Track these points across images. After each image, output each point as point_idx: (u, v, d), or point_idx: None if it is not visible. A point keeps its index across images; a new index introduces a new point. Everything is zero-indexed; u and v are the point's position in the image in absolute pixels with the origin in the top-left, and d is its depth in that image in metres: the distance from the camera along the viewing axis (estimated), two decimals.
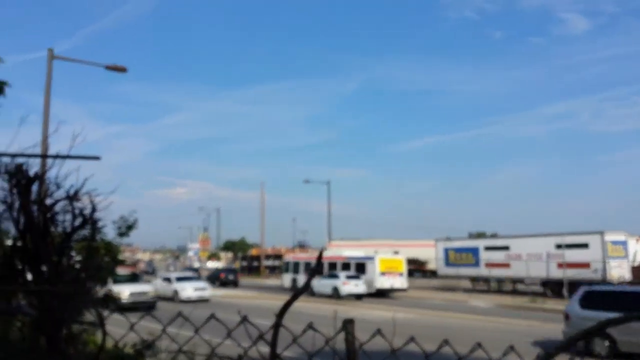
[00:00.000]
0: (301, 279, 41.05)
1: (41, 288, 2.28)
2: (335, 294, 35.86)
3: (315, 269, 1.91)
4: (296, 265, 44.43)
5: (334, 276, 37.66)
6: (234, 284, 50.29)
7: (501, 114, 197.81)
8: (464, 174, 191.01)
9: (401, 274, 39.30)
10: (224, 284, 49.96)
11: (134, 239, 6.91)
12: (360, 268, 39.06)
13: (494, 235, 56.48)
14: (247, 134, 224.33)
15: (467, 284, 44.78)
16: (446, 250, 46.13)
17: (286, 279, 44.47)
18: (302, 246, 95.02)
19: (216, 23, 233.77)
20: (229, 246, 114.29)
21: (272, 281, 57.03)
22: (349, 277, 37.00)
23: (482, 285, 43.99)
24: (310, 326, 1.78)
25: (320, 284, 37.36)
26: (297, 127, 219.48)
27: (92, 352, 4.95)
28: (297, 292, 1.84)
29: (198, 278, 42.05)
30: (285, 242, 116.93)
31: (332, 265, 41.11)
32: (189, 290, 33.55)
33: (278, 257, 73.63)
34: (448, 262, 45.82)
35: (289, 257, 49.74)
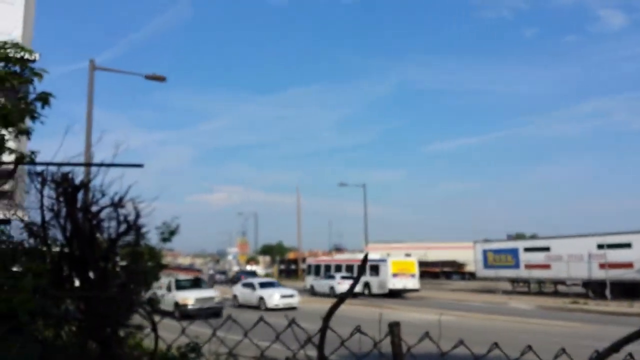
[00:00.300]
0: (319, 280, 43.54)
1: (97, 294, 2.35)
2: (332, 293, 38.91)
3: (360, 273, 1.92)
4: (317, 268, 47.31)
5: (331, 277, 41.47)
6: (230, 282, 54.53)
7: (535, 113, 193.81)
8: (499, 174, 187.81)
9: (413, 275, 41.46)
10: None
11: (175, 244, 7.00)
12: (374, 270, 40.87)
13: (533, 237, 55.48)
14: (283, 138, 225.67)
15: (506, 285, 44.11)
16: (485, 252, 45.52)
17: (308, 281, 46.35)
18: (338, 249, 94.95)
19: (251, 29, 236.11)
20: (266, 250, 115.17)
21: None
22: (343, 278, 40.06)
23: (522, 286, 43.27)
24: (358, 329, 1.79)
25: (319, 284, 41.56)
26: (331, 130, 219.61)
27: (138, 355, 5.06)
28: (342, 296, 1.86)
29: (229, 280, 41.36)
30: (322, 245, 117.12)
31: (349, 267, 43.57)
32: (275, 297, 30.75)
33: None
34: (487, 264, 45.20)
35: (311, 261, 52.85)
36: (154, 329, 1.79)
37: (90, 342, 2.69)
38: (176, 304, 26.48)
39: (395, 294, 39.73)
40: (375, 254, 46.17)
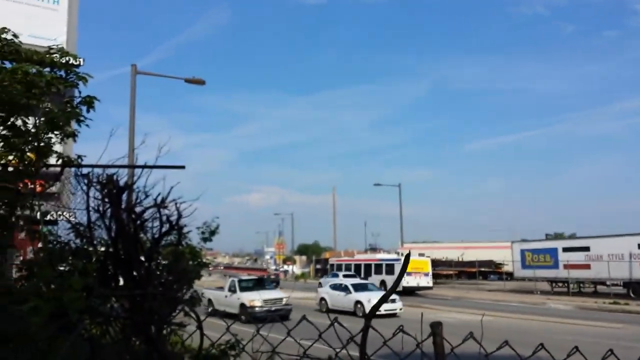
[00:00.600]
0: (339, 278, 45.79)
1: (143, 291, 2.44)
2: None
3: (403, 271, 1.95)
4: (339, 267, 51.41)
5: (335, 275, 46.21)
6: (277, 283, 53.37)
7: (574, 111, 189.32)
8: (536, 173, 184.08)
9: (426, 274, 44.21)
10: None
11: (214, 244, 7.14)
12: (390, 268, 44.22)
13: (572, 236, 54.33)
14: (318, 139, 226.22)
15: (544, 286, 43.31)
16: (523, 252, 44.81)
17: (377, 282, 46.84)
18: (373, 249, 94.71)
19: (286, 32, 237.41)
20: (303, 250, 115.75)
21: None
22: (345, 276, 42.79)
23: (561, 287, 42.44)
24: (400, 329, 1.83)
25: (325, 282, 42.04)
26: (366, 130, 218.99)
27: (181, 352, 5.18)
28: (384, 296, 1.90)
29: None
30: (358, 245, 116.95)
31: (368, 266, 47.33)
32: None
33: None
34: (525, 264, 44.49)
35: (333, 260, 56.92)
36: (200, 326, 1.86)
37: (135, 340, 2.78)
38: (242, 306, 24.53)
39: (409, 292, 40.70)
40: (391, 254, 50.91)
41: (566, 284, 41.56)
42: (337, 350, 1.86)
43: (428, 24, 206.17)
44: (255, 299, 23.97)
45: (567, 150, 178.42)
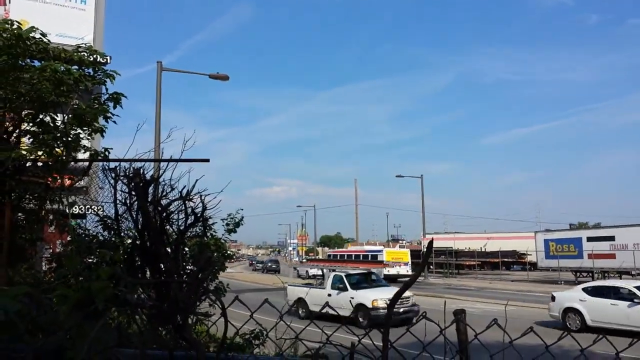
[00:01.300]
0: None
1: (171, 280, 2.52)
2: (305, 276, 51.39)
3: (425, 259, 2.00)
4: (335, 257, 54.92)
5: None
6: (277, 271, 64.28)
7: (598, 101, 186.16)
8: (560, 163, 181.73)
9: (406, 263, 49.46)
10: (270, 271, 69.56)
11: (238, 235, 7.27)
12: (374, 258, 48.32)
13: (596, 226, 53.62)
14: (340, 132, 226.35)
15: (568, 275, 42.86)
16: (546, 242, 44.40)
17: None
18: (395, 240, 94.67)
19: (307, 28, 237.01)
20: (325, 241, 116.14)
21: None
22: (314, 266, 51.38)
23: (585, 276, 41.97)
24: (424, 316, 1.89)
25: (312, 270, 46.46)
26: (388, 123, 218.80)
27: (205, 341, 5.30)
28: (406, 284, 1.95)
29: None
30: (380, 236, 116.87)
31: (357, 257, 51.12)
32: None
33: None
34: (548, 254, 44.09)
35: (329, 252, 64.81)
36: (224, 314, 1.93)
37: (161, 328, 2.87)
38: (359, 307, 19.96)
39: (391, 279, 43.22)
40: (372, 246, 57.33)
41: (591, 274, 41.09)
42: (360, 337, 1.93)
43: (451, 17, 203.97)
44: (378, 297, 19.60)
45: (591, 140, 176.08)
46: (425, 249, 58.02)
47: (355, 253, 53.92)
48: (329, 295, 21.07)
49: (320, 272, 49.52)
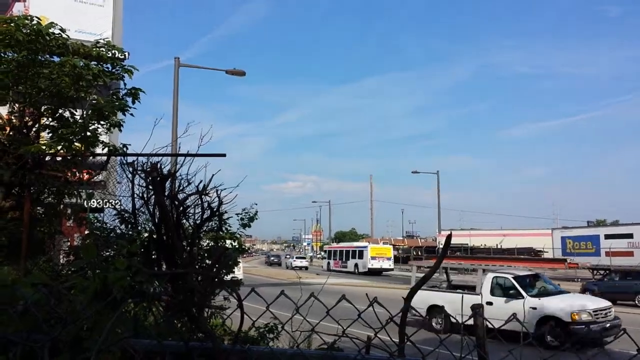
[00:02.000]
0: (331, 263, 60.35)
1: (189, 270, 2.53)
2: (290, 266, 65.62)
3: (444, 254, 1.99)
4: (329, 253, 63.59)
5: (291, 257, 73.19)
6: (279, 264, 73.24)
7: (618, 95, 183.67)
8: (577, 159, 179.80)
9: (389, 258, 54.75)
10: (271, 264, 76.74)
11: (253, 230, 7.31)
12: (360, 254, 55.06)
13: (614, 223, 52.96)
14: (356, 127, 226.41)
15: (585, 273, 42.41)
16: (563, 239, 43.98)
17: (324, 263, 64.00)
18: (410, 236, 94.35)
19: (325, 22, 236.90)
20: (339, 237, 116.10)
21: None
22: (298, 258, 72.22)
23: (603, 274, 41.47)
24: (444, 312, 1.87)
25: (287, 262, 68.63)
26: (405, 118, 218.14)
27: (219, 333, 5.33)
28: (424, 277, 1.94)
29: None
30: (395, 232, 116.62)
31: (347, 252, 58.42)
32: None
33: None
34: (565, 251, 43.65)
35: (327, 247, 70.22)
36: (240, 306, 1.94)
37: (177, 320, 2.88)
38: (543, 321, 14.47)
39: (375, 273, 51.68)
40: (360, 243, 65.90)
41: (608, 272, 40.62)
42: (377, 330, 1.92)
43: (470, 10, 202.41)
44: (584, 307, 14.82)
45: (610, 135, 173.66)
46: (441, 245, 57.98)
47: (345, 249, 60.32)
48: (489, 303, 15.49)
49: (305, 264, 65.45)
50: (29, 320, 1.78)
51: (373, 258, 53.71)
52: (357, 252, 56.49)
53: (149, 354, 1.73)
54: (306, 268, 61.06)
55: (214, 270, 3.53)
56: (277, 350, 1.79)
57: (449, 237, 2.02)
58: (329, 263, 61.72)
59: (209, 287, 2.35)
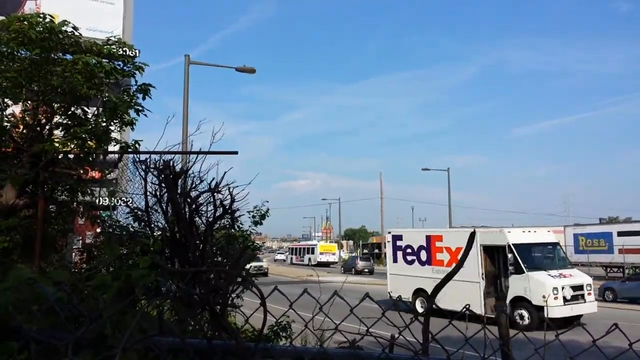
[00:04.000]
0: (293, 258, 76.81)
1: (211, 269, 2.52)
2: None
3: (468, 249, 1.96)
4: (292, 250, 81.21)
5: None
6: (371, 272, 69.98)
7: (629, 92, 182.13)
8: (588, 156, 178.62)
9: (334, 254, 70.57)
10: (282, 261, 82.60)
11: (263, 228, 7.30)
12: (312, 250, 71.12)
13: (627, 220, 52.55)
14: (365, 125, 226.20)
15: (598, 271, 42.14)
16: (576, 236, 43.66)
17: (305, 259, 72.38)
18: None
19: (333, 21, 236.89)
20: (349, 234, 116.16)
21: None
22: (279, 253, 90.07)
23: (616, 272, 41.19)
24: (467, 308, 1.85)
25: (278, 256, 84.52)
26: (413, 116, 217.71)
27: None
28: (448, 275, 1.91)
29: None
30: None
31: (304, 249, 74.99)
32: None
33: None
34: (578, 249, 43.34)
35: (289, 246, 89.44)
36: (263, 304, 1.92)
37: (199, 317, 2.88)
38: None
39: (323, 265, 65.33)
40: (310, 241, 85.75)
41: (621, 269, 40.34)
42: (401, 328, 1.89)
43: (478, 8, 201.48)
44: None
45: (622, 132, 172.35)
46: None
47: (302, 247, 77.23)
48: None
49: (283, 258, 78.34)
50: (52, 318, 1.78)
51: (321, 253, 69.28)
52: (310, 249, 72.83)
53: (171, 352, 1.71)
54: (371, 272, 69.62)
55: (236, 267, 3.52)
56: (300, 348, 1.77)
57: (472, 234, 1.99)
58: (291, 258, 77.97)
59: (232, 285, 2.33)
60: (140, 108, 6.36)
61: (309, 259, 69.45)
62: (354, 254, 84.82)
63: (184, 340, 1.69)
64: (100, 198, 6.76)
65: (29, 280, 1.87)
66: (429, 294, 1.95)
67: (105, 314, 1.75)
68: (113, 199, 6.20)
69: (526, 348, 1.91)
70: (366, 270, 52.04)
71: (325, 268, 61.56)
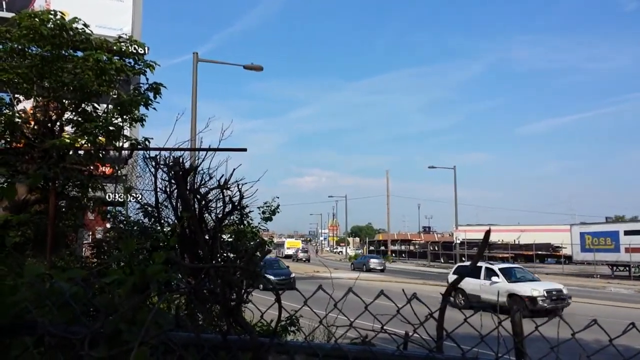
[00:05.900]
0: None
1: (231, 265, 2.52)
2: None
3: (483, 248, 1.96)
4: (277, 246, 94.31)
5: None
6: (308, 260, 77.30)
7: (637, 91, 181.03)
8: (595, 155, 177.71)
9: (299, 249, 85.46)
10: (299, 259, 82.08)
11: (270, 224, 7.32)
12: (282, 245, 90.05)
13: (634, 219, 52.31)
14: (371, 123, 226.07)
15: (604, 269, 41.95)
16: (582, 235, 43.48)
17: (301, 255, 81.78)
18: (426, 231, 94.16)
19: (339, 19, 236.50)
20: (356, 231, 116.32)
21: (397, 265, 58.90)
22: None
23: (622, 271, 41.00)
24: (481, 307, 1.84)
25: (287, 251, 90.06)
26: (420, 113, 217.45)
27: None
28: (462, 274, 1.90)
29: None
30: (411, 227, 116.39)
31: (279, 244, 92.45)
32: None
33: (404, 242, 79.24)
34: (584, 247, 43.18)
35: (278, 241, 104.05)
36: (278, 299, 1.92)
37: (213, 312, 2.88)
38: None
39: (288, 257, 77.52)
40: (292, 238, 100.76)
41: (627, 268, 40.16)
42: (416, 326, 1.89)
43: (486, 5, 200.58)
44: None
45: (628, 131, 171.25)
46: (459, 240, 57.61)
47: (278, 243, 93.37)
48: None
49: (291, 253, 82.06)
50: (67, 312, 1.79)
51: (288, 248, 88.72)
52: (281, 244, 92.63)
53: (186, 347, 1.72)
54: (308, 260, 77.95)
55: (252, 262, 3.51)
56: (315, 344, 1.77)
57: (487, 232, 1.98)
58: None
59: (248, 281, 2.33)
60: (150, 102, 6.38)
61: (281, 252, 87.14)
62: (359, 251, 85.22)
63: (199, 335, 1.69)
64: (111, 194, 6.78)
65: (44, 276, 1.89)
66: (445, 291, 1.95)
67: (121, 309, 1.76)
68: (128, 195, 6.22)
69: (533, 345, 1.90)
70: (378, 268, 51.70)
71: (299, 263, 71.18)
